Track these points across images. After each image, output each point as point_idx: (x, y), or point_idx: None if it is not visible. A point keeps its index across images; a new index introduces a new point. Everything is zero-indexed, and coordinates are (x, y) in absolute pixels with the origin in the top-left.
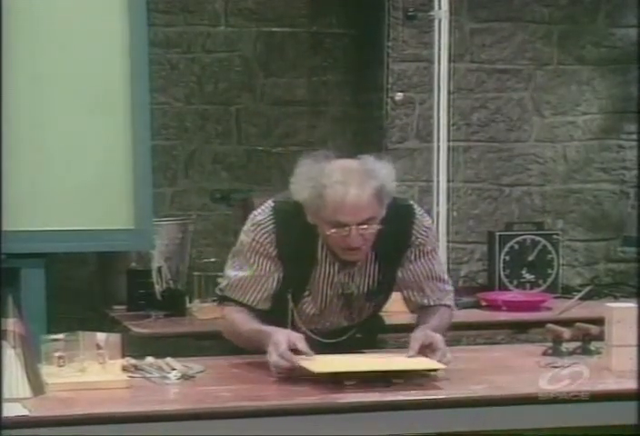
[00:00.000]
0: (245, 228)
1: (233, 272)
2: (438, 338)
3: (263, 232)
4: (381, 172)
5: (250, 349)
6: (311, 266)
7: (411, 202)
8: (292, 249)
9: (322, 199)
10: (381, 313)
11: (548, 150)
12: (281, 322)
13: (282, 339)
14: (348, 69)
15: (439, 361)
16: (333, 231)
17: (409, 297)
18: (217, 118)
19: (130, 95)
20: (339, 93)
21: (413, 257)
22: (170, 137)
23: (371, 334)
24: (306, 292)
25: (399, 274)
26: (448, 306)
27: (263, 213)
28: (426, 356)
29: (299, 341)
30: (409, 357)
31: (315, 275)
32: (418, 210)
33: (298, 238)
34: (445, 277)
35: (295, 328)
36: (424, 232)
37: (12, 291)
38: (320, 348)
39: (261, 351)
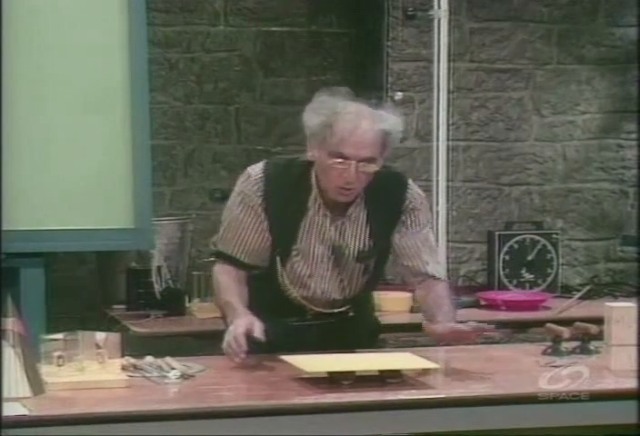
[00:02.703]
0: (237, 182)
1: (223, 225)
2: (459, 327)
3: (251, 182)
4: (391, 119)
5: (222, 315)
6: (300, 219)
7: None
8: (280, 200)
9: (331, 128)
10: (375, 314)
11: (548, 149)
12: (270, 287)
13: (242, 323)
14: (348, 68)
15: (476, 334)
16: (334, 160)
17: (409, 265)
18: (217, 118)
19: (129, 95)
20: None
21: (409, 222)
22: (169, 137)
23: (364, 319)
24: (294, 252)
25: (397, 241)
26: (444, 280)
27: (255, 167)
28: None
29: (257, 327)
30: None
31: (304, 228)
32: (411, 181)
33: (288, 191)
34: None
35: (285, 294)
36: (417, 199)
37: (11, 290)
38: (311, 327)
39: (226, 323)
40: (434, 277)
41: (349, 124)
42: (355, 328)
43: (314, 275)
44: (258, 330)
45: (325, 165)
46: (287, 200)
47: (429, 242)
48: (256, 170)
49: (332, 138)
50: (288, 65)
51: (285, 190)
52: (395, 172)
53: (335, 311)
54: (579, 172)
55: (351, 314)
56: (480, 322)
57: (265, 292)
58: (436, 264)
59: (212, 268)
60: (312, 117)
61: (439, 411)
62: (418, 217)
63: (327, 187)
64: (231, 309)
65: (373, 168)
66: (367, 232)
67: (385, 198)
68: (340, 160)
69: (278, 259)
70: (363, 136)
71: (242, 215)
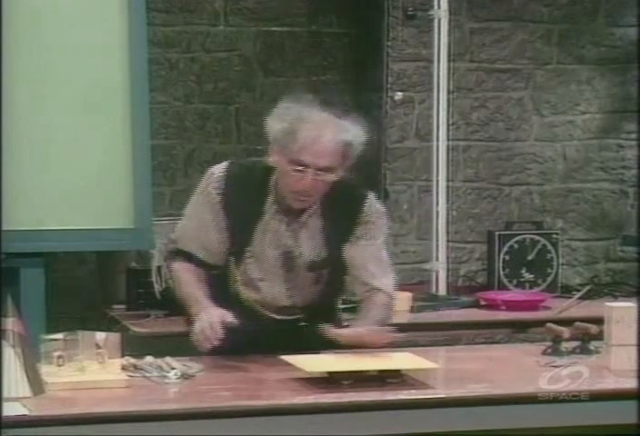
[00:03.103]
0: (201, 181)
1: (183, 223)
2: (359, 332)
3: (213, 181)
4: (354, 129)
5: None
6: (255, 222)
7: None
8: (238, 201)
9: (294, 135)
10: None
11: (548, 149)
12: (225, 288)
13: (215, 313)
14: (348, 68)
15: (377, 338)
16: (293, 167)
17: (356, 275)
18: (217, 117)
19: (129, 95)
20: (339, 92)
21: (361, 234)
22: (169, 136)
23: (319, 332)
24: (248, 254)
25: (346, 250)
26: (389, 293)
27: (219, 167)
28: (369, 343)
29: (229, 317)
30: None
31: (259, 231)
32: (373, 195)
33: (246, 192)
34: (389, 262)
35: (238, 297)
36: (373, 212)
37: (11, 290)
38: (263, 332)
39: (187, 316)
40: (379, 289)
41: (312, 133)
42: (307, 339)
43: (265, 279)
44: (229, 318)
45: (284, 171)
46: (245, 201)
47: (380, 256)
48: (219, 169)
49: (293, 145)
50: (288, 65)
51: (244, 191)
52: (355, 184)
53: (286, 318)
54: (579, 172)
55: (302, 324)
56: (477, 322)
57: (220, 293)
58: (384, 278)
59: (170, 266)
60: (275, 123)
61: (439, 411)
62: (372, 230)
63: (284, 192)
64: (196, 301)
65: (330, 178)
66: (321, 241)
67: (342, 209)
68: (299, 167)
69: (232, 260)
70: (324, 145)
71: (203, 213)
